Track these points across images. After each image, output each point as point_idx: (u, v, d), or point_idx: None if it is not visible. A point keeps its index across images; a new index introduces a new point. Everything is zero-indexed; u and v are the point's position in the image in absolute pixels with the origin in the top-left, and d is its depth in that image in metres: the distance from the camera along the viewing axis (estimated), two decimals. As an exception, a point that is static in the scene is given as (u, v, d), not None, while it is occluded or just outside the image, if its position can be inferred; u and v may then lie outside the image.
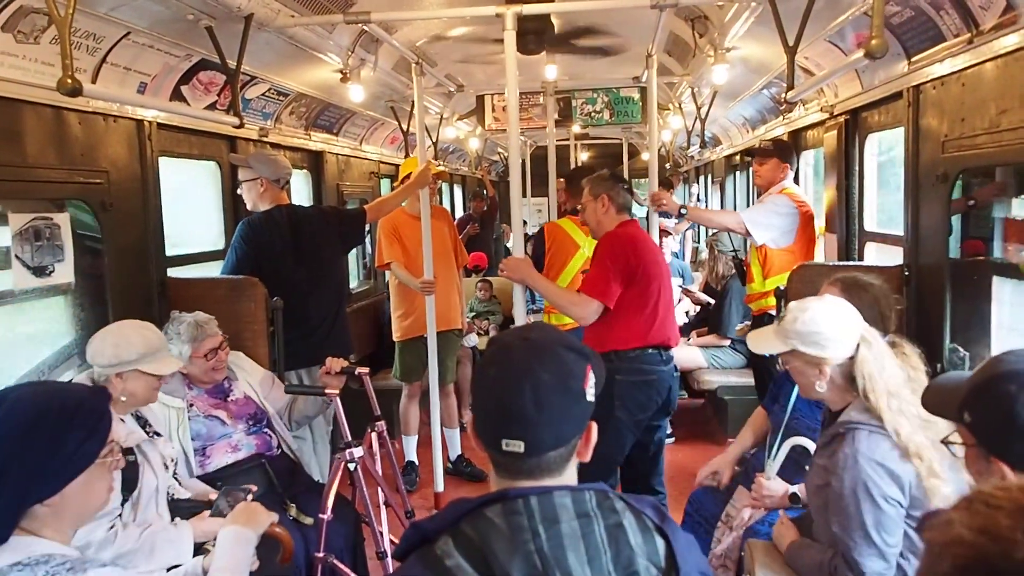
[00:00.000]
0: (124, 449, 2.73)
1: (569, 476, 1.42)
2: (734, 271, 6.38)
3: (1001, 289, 3.63)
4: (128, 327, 2.99)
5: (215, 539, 2.34)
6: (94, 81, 3.56)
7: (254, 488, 2.99)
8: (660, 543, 1.36)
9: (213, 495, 3.06)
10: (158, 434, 3.06)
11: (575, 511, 1.33)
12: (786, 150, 5.16)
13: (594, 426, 1.46)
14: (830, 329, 2.51)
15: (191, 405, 3.47)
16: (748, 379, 5.83)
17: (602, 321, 3.81)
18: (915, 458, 2.37)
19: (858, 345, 2.51)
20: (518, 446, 1.36)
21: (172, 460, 3.05)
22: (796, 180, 6.47)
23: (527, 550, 1.28)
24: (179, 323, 3.52)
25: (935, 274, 3.83)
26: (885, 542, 2.38)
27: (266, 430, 3.62)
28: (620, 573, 1.31)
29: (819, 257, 5.78)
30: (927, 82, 3.79)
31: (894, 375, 2.52)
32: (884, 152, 5.14)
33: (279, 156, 4.72)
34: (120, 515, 2.74)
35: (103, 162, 3.78)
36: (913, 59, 3.87)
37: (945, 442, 1.88)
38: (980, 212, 3.78)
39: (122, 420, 2.90)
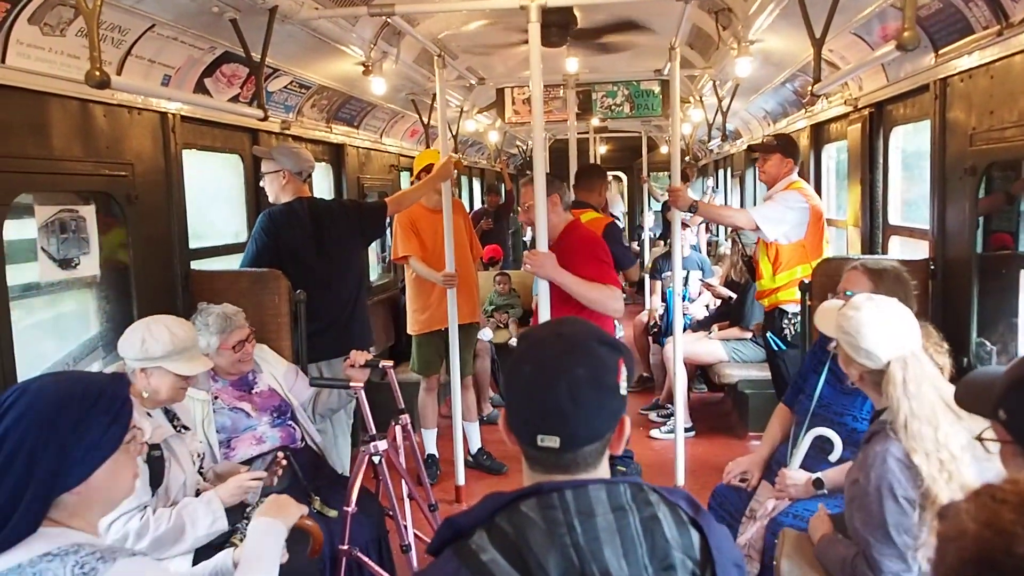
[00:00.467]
0: (151, 445, 2.76)
1: (603, 470, 1.42)
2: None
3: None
4: (159, 323, 2.97)
5: (244, 533, 2.36)
6: (119, 73, 3.57)
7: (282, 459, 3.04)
8: (695, 536, 1.36)
9: (243, 470, 3.10)
10: (186, 428, 3.06)
11: (610, 504, 1.33)
12: (789, 144, 5.12)
13: (627, 420, 1.46)
14: (865, 338, 2.51)
15: (216, 397, 3.48)
16: (769, 373, 5.80)
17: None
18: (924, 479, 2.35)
19: (890, 363, 2.48)
20: (554, 442, 1.36)
21: (200, 455, 3.06)
22: (818, 173, 6.45)
23: (563, 543, 1.27)
24: (207, 314, 3.53)
25: (962, 268, 3.79)
26: (906, 543, 2.37)
27: (290, 423, 3.63)
28: (656, 566, 1.31)
29: (840, 251, 5.74)
30: (955, 75, 3.75)
31: (928, 401, 2.45)
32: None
33: (302, 149, 4.72)
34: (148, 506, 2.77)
35: (128, 155, 3.79)
36: (940, 51, 3.83)
37: (979, 439, 1.86)
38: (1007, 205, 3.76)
39: (149, 415, 2.90)
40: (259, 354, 3.74)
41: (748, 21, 4.81)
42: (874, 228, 5.19)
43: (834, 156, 6.58)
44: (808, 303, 4.27)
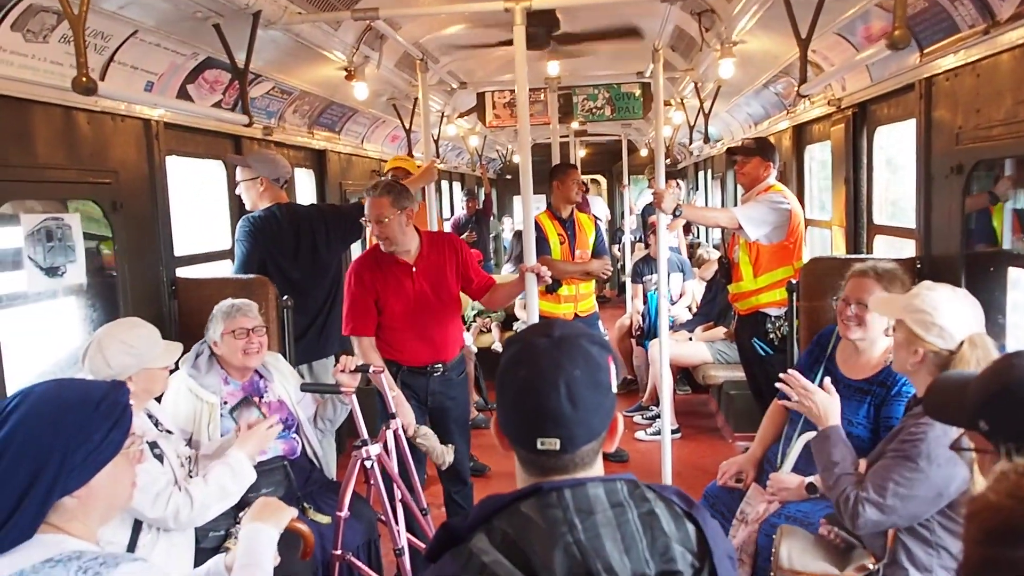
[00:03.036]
0: (151, 443, 2.76)
1: (598, 467, 1.43)
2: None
3: (1017, 280, 3.63)
4: (122, 332, 2.91)
5: (237, 537, 2.33)
6: (102, 80, 3.52)
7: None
8: (691, 528, 1.37)
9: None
10: (169, 432, 3.04)
11: (609, 501, 1.33)
12: (767, 148, 5.13)
13: (620, 417, 1.47)
14: (943, 316, 2.49)
15: (225, 402, 3.43)
16: (754, 374, 5.82)
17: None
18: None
19: (962, 343, 2.46)
20: (554, 444, 1.36)
21: (187, 458, 3.03)
22: (801, 174, 6.49)
23: (565, 542, 1.27)
24: (221, 305, 3.53)
25: (949, 266, 3.81)
26: (892, 506, 2.45)
27: (294, 435, 3.60)
28: (657, 560, 1.31)
29: (825, 251, 5.77)
30: (940, 74, 3.78)
31: None
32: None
33: (279, 155, 4.70)
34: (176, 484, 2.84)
35: (112, 162, 3.75)
36: (926, 51, 3.86)
37: (955, 448, 1.86)
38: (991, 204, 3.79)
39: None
40: (273, 363, 3.69)
41: (731, 22, 4.82)
42: (859, 228, 5.22)
43: (816, 157, 6.62)
44: (796, 304, 4.29)
